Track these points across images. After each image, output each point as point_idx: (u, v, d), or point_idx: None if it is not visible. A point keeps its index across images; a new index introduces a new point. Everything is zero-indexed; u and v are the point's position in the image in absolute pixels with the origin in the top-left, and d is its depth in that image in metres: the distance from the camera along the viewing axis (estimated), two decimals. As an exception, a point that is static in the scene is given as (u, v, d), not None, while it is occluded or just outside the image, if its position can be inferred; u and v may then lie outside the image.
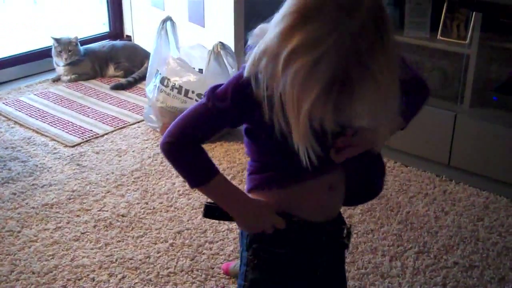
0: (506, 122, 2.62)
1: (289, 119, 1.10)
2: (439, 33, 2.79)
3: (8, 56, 3.94)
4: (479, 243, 2.34)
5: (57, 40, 3.80)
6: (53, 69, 3.94)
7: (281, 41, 1.07)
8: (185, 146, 1.29)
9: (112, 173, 2.81)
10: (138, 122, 3.34)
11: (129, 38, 4.35)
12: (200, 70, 3.17)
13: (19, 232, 2.38)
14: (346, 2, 1.05)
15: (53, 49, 3.84)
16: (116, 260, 2.23)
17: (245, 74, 1.17)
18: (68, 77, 3.86)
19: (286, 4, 1.10)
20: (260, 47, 1.12)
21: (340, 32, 1.03)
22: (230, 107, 1.24)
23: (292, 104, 1.08)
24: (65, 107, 3.52)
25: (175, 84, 3.08)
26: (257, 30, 1.21)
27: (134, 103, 3.57)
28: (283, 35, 1.07)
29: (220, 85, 1.27)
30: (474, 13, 2.61)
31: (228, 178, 2.69)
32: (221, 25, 3.30)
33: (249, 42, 1.24)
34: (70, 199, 2.60)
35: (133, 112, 3.46)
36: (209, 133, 1.31)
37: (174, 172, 2.81)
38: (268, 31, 1.12)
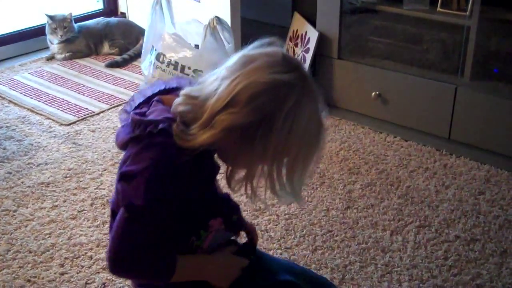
0: (507, 94, 2.58)
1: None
2: (438, 4, 2.74)
3: (1, 35, 3.87)
4: (481, 216, 2.32)
5: (51, 17, 3.74)
6: (47, 48, 3.88)
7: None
8: (129, 262, 1.21)
9: (109, 151, 2.78)
10: (134, 99, 3.29)
11: (123, 15, 4.28)
12: (196, 46, 3.12)
13: (15, 211, 2.35)
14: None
15: (47, 27, 3.78)
16: (114, 238, 2.21)
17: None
18: (63, 55, 3.81)
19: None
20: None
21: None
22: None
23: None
24: (60, 86, 3.47)
25: (171, 60, 3.03)
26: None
27: (129, 81, 3.53)
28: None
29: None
30: (474, -17, 2.57)
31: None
32: None
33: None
34: (66, 177, 2.57)
35: (128, 89, 3.42)
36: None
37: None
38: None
